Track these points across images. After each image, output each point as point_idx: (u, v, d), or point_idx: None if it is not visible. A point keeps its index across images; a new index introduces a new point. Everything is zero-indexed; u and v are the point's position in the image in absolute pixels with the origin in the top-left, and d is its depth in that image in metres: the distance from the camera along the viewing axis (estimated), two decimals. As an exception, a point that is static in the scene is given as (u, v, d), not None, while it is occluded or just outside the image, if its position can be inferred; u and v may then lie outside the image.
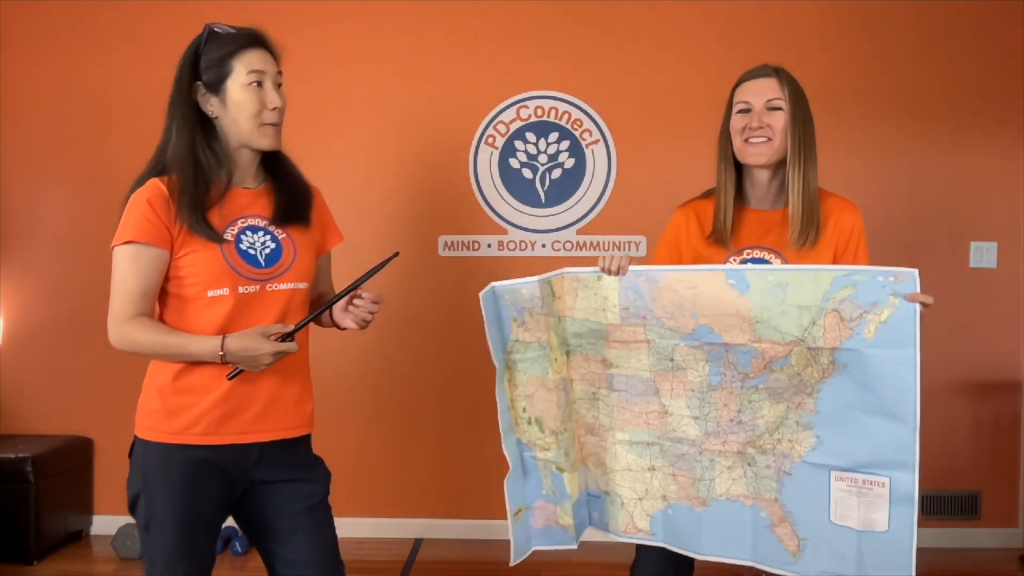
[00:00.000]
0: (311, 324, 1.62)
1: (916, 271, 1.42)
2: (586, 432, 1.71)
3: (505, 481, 1.68)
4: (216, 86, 1.54)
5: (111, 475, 3.32)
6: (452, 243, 3.30)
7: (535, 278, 1.58)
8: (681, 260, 1.77)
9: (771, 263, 1.67)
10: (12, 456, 3.00)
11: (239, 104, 1.53)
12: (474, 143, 3.30)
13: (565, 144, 3.30)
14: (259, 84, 1.54)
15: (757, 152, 1.67)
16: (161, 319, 1.58)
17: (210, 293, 1.52)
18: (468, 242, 3.30)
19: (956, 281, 3.24)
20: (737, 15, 3.24)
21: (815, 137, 1.70)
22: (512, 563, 1.71)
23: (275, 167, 1.65)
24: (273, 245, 1.59)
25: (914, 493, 1.46)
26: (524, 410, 1.66)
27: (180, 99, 1.56)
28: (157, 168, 1.57)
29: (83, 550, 3.21)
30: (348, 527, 3.06)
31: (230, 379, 1.50)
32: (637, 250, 3.25)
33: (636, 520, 1.69)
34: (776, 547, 1.58)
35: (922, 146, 3.24)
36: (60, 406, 3.35)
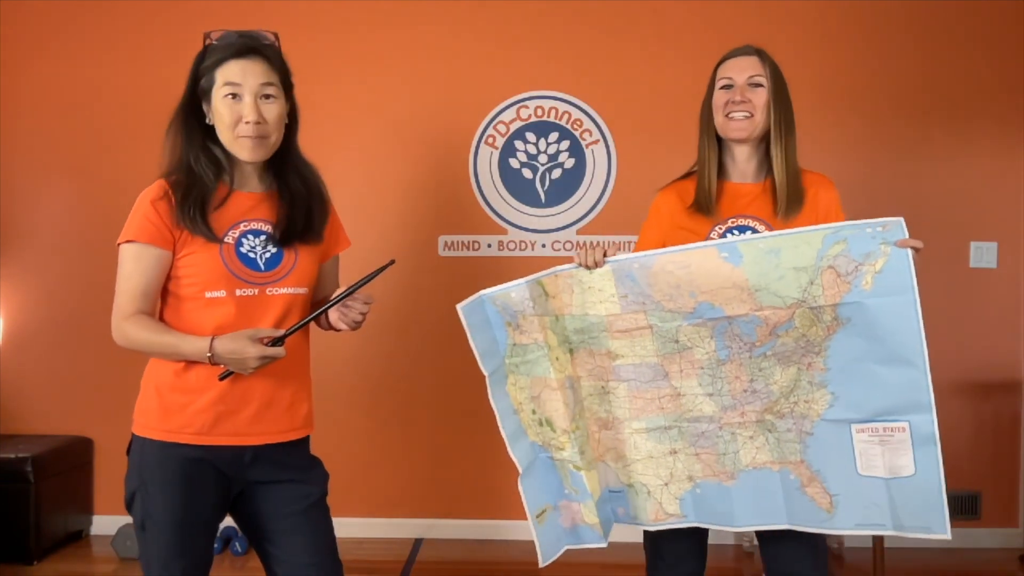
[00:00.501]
0: (309, 325, 1.62)
1: (902, 219, 1.47)
2: (600, 428, 1.70)
3: (520, 484, 1.67)
4: (207, 94, 1.56)
5: (111, 475, 3.32)
6: (452, 243, 3.30)
7: (523, 280, 1.58)
8: (665, 239, 1.76)
9: (757, 231, 1.70)
10: (12, 456, 3.01)
11: (218, 115, 1.54)
12: (474, 143, 3.31)
13: (565, 144, 3.30)
14: (235, 96, 1.53)
15: (739, 127, 1.71)
16: (162, 317, 1.60)
17: (208, 295, 1.53)
18: (468, 242, 3.30)
19: (956, 281, 3.25)
20: (737, 15, 3.24)
21: (794, 116, 1.75)
22: (541, 564, 1.69)
23: (283, 173, 1.64)
24: (274, 249, 1.59)
25: (935, 432, 1.50)
26: (534, 412, 1.66)
27: (182, 104, 1.58)
28: (166, 169, 1.60)
29: (83, 550, 3.22)
30: (348, 527, 3.06)
31: (221, 380, 1.51)
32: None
33: (665, 505, 1.68)
34: (809, 507, 1.60)
35: (922, 146, 3.25)
36: (60, 406, 3.35)
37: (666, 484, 1.68)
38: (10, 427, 3.33)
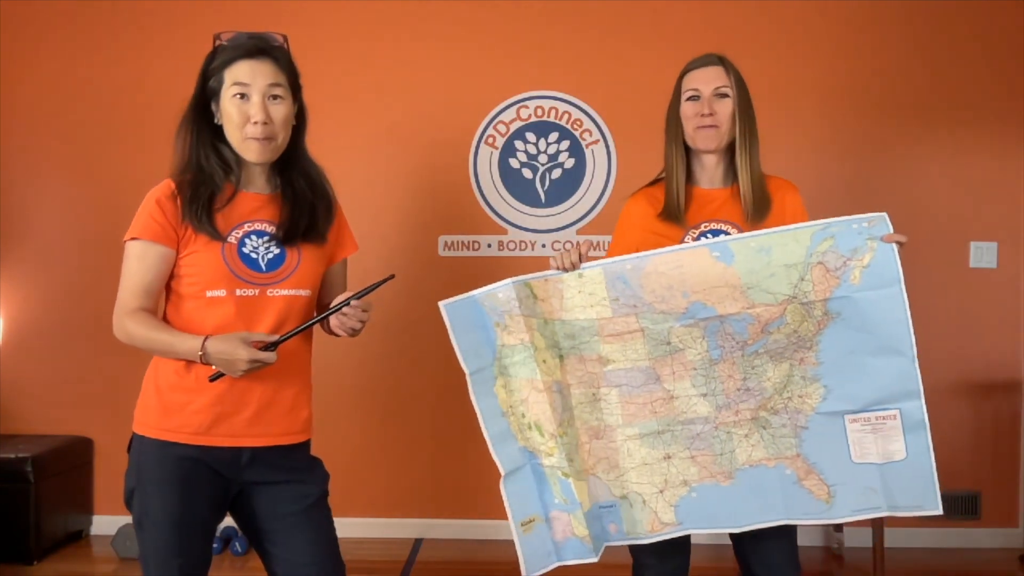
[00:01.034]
0: (311, 329, 1.62)
1: (885, 213, 1.53)
2: (591, 438, 1.68)
3: (503, 486, 1.64)
4: (216, 95, 1.57)
5: (111, 475, 3.32)
6: (452, 243, 3.30)
7: (509, 281, 1.59)
8: (639, 245, 1.76)
9: (730, 233, 1.72)
10: (12, 456, 3.00)
11: (227, 115, 1.56)
12: (474, 143, 3.31)
13: (565, 144, 3.30)
14: (243, 97, 1.54)
15: (707, 138, 1.75)
16: (165, 315, 1.60)
17: (208, 294, 1.54)
18: (468, 242, 3.30)
19: (956, 281, 3.25)
20: (737, 15, 3.24)
21: (756, 121, 1.79)
22: (525, 575, 1.65)
23: (290, 174, 1.65)
24: (277, 250, 1.59)
25: (924, 418, 1.56)
26: (523, 415, 1.64)
27: (191, 104, 1.59)
28: (175, 168, 1.61)
29: (83, 550, 3.22)
30: (348, 527, 3.06)
31: (211, 381, 1.50)
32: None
33: (661, 515, 1.68)
34: (807, 499, 1.62)
35: (922, 146, 3.25)
36: (60, 406, 3.35)
37: (661, 491, 1.67)
38: (10, 427, 3.33)
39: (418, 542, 3.30)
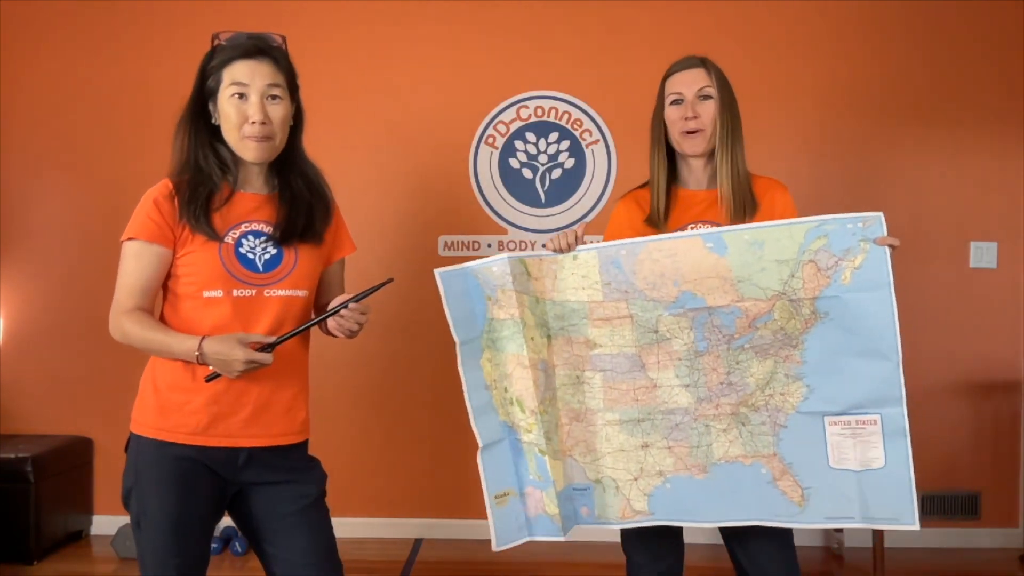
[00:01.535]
0: (308, 331, 1.62)
1: (881, 214, 1.51)
2: (571, 420, 1.69)
3: (479, 457, 1.66)
4: (214, 95, 1.57)
5: (111, 475, 3.32)
6: (452, 243, 3.30)
7: (504, 255, 1.61)
8: None
9: None
10: (12, 456, 3.01)
11: (225, 115, 1.56)
12: (474, 143, 3.31)
13: (565, 144, 3.30)
14: (241, 96, 1.54)
15: (694, 143, 1.75)
16: (162, 314, 1.60)
17: (205, 294, 1.54)
18: (468, 242, 3.30)
19: (956, 281, 3.25)
20: (737, 15, 3.24)
21: (741, 119, 1.78)
22: (495, 548, 1.69)
23: (287, 174, 1.65)
24: (274, 251, 1.59)
25: (905, 425, 1.53)
26: (506, 390, 1.66)
27: (190, 104, 1.59)
28: (173, 168, 1.61)
29: (83, 550, 3.22)
30: (348, 527, 3.06)
31: (207, 381, 1.51)
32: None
33: (633, 503, 1.68)
34: (780, 501, 1.60)
35: (922, 146, 3.25)
36: (60, 406, 3.35)
37: (635, 479, 1.67)
38: (10, 427, 3.33)
39: (418, 542, 3.30)
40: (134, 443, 1.58)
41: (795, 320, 1.55)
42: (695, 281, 1.58)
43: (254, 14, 3.23)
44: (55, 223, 3.35)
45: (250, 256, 1.57)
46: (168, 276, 1.58)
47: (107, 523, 3.29)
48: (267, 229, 1.60)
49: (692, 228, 1.75)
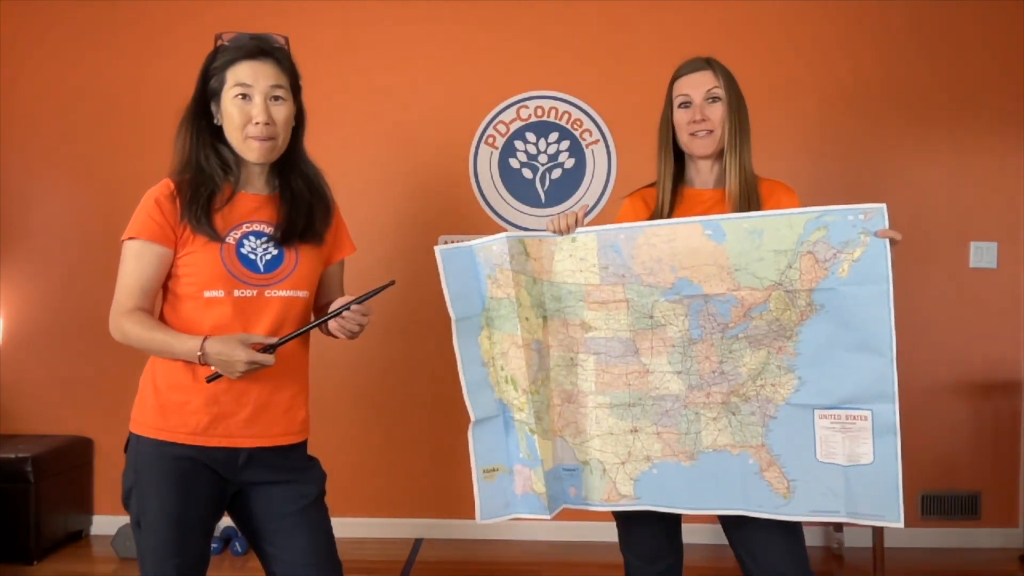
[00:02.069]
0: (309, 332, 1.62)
1: (884, 206, 1.49)
2: (563, 401, 1.70)
3: (471, 431, 1.67)
4: (217, 95, 1.57)
5: (111, 475, 3.31)
6: (452, 243, 3.29)
7: (503, 235, 1.63)
8: None
9: None
10: (12, 456, 3.01)
11: (228, 116, 1.56)
12: (474, 143, 3.31)
13: (565, 144, 3.30)
14: (245, 97, 1.54)
15: (703, 145, 1.76)
16: (162, 314, 1.60)
17: (206, 294, 1.54)
18: (468, 242, 3.30)
19: (956, 281, 3.25)
20: (738, 15, 3.24)
21: (749, 119, 1.78)
22: (479, 520, 1.70)
23: (288, 176, 1.65)
24: (275, 251, 1.59)
25: (895, 423, 1.51)
26: (502, 368, 1.67)
27: (192, 104, 1.60)
28: (175, 168, 1.61)
29: (83, 550, 3.22)
30: (348, 527, 3.06)
31: (208, 382, 1.51)
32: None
33: (619, 486, 1.68)
34: (766, 492, 1.60)
35: (922, 146, 3.25)
36: (60, 406, 3.35)
37: (623, 463, 1.68)
38: (10, 427, 3.33)
39: (418, 542, 3.30)
40: (134, 443, 1.58)
41: (790, 311, 1.55)
42: (692, 268, 1.58)
43: (254, 14, 3.23)
44: (55, 223, 3.35)
45: (251, 256, 1.57)
46: (168, 276, 1.58)
47: (107, 523, 3.29)
48: (268, 230, 1.60)
49: None
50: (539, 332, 1.67)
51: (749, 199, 1.73)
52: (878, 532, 2.79)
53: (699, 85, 1.75)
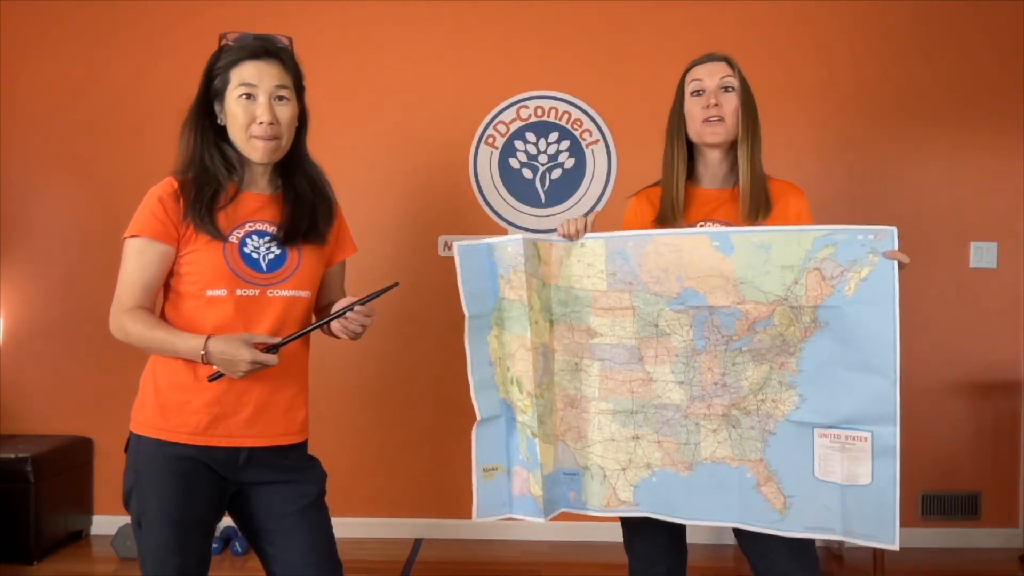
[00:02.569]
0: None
1: (894, 228, 1.47)
2: (566, 405, 1.70)
3: (474, 430, 1.69)
4: (220, 95, 1.58)
5: (111, 475, 3.31)
6: (452, 243, 3.30)
7: (519, 236, 1.64)
8: None
9: None
10: (12, 456, 3.00)
11: (232, 115, 1.56)
12: (474, 143, 3.31)
13: (565, 144, 3.30)
14: (249, 97, 1.54)
15: (714, 132, 1.74)
16: (163, 313, 1.60)
17: (208, 293, 1.54)
18: (468, 242, 3.30)
19: (956, 281, 3.25)
20: (738, 15, 3.24)
21: (759, 120, 1.78)
22: (475, 517, 1.71)
23: (291, 175, 1.65)
24: (278, 251, 1.60)
25: (895, 445, 1.50)
26: (508, 369, 1.68)
27: (196, 104, 1.60)
28: (178, 166, 1.61)
29: (83, 550, 3.21)
30: (348, 527, 3.06)
31: (210, 381, 1.51)
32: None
33: (619, 492, 1.68)
34: (763, 507, 1.60)
35: (922, 146, 3.25)
36: (60, 406, 3.35)
37: (624, 469, 1.68)
38: (10, 427, 3.33)
39: (418, 542, 3.30)
40: (134, 443, 1.58)
41: (794, 327, 1.54)
42: (698, 279, 1.58)
43: (254, 14, 3.23)
44: (55, 223, 3.35)
45: (254, 256, 1.57)
46: (170, 274, 1.58)
47: (107, 523, 3.29)
48: (271, 229, 1.60)
49: (700, 226, 1.75)
50: (546, 336, 1.68)
51: (760, 198, 1.72)
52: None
53: (713, 73, 1.75)
